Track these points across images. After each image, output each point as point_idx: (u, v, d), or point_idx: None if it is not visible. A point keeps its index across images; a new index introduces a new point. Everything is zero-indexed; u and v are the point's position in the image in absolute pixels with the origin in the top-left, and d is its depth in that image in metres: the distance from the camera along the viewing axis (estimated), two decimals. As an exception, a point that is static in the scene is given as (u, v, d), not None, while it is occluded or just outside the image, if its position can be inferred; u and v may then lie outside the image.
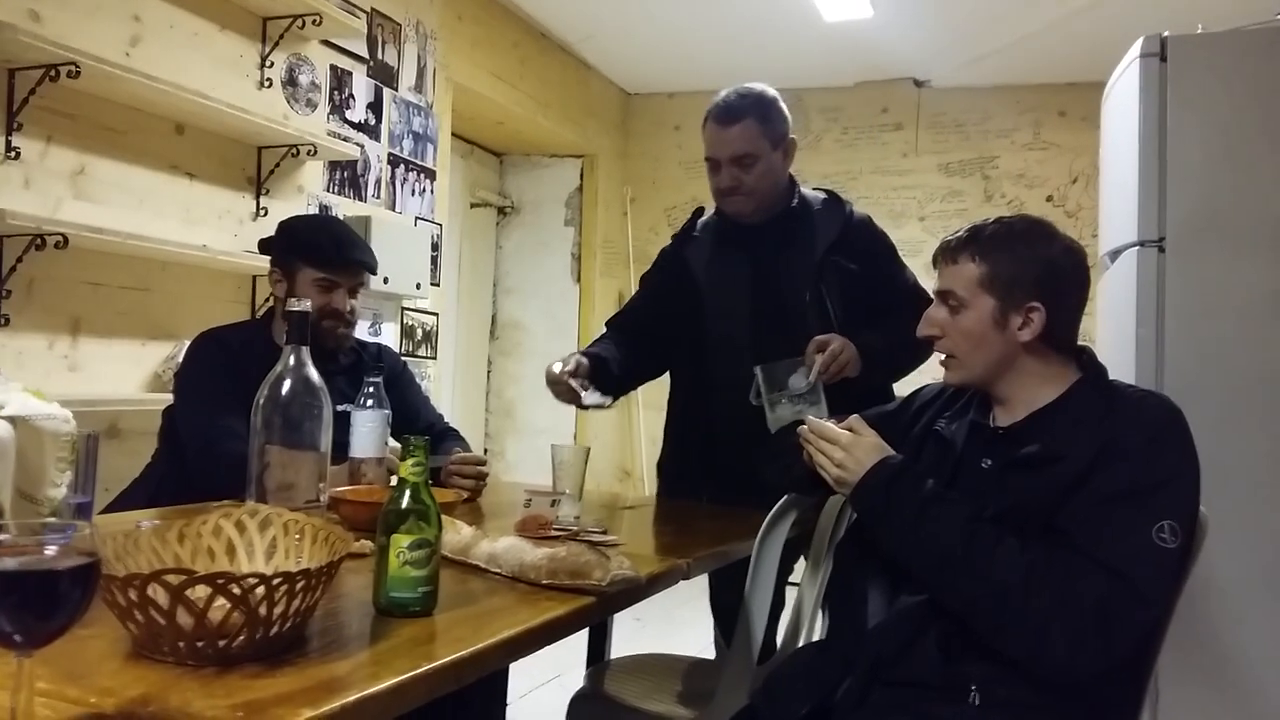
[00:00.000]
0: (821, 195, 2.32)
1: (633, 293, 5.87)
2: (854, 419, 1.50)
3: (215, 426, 2.02)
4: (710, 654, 2.50)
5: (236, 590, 0.84)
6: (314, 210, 3.57)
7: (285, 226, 2.24)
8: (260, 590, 0.85)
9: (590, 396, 2.10)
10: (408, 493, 1.09)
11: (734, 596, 1.86)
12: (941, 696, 1.37)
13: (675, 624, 3.64)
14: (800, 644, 1.97)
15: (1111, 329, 2.64)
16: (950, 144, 5.56)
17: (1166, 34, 2.45)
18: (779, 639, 2.02)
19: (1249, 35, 2.45)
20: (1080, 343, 1.53)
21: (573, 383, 2.10)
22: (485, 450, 5.46)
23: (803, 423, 1.57)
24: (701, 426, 2.27)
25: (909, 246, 5.57)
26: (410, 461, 1.10)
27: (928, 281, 2.43)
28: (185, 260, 2.97)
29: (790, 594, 2.01)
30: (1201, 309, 2.40)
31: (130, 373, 2.94)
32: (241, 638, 0.86)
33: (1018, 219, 1.51)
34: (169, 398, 2.28)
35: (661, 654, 2.25)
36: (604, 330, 2.43)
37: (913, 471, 1.43)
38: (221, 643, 0.86)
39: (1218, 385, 2.35)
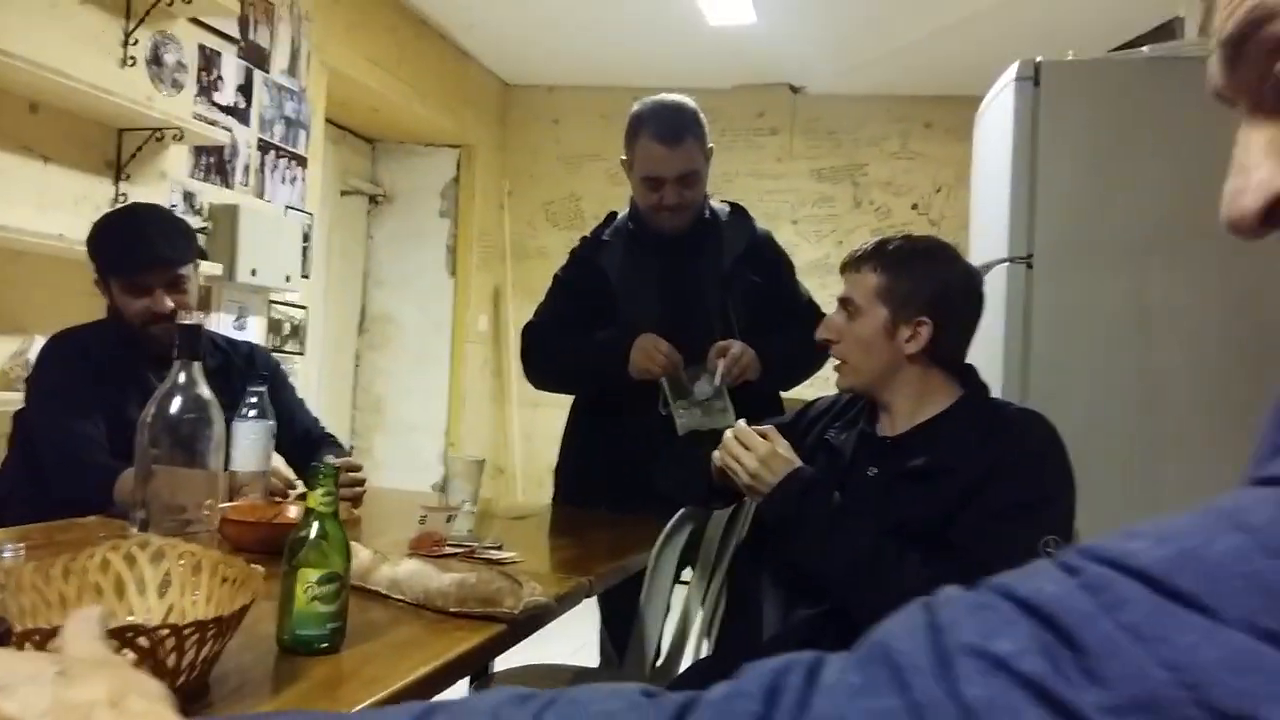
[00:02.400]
0: (727, 208, 2.36)
1: (510, 287, 5.87)
2: (769, 429, 1.53)
3: (75, 436, 1.90)
4: (587, 658, 2.50)
5: (146, 643, 0.78)
6: (177, 197, 3.39)
7: (90, 233, 2.05)
8: (170, 641, 0.79)
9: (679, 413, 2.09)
10: (316, 524, 1.04)
11: (625, 602, 1.86)
12: (837, 709, 1.41)
13: (549, 628, 3.60)
14: (687, 649, 1.98)
15: (979, 341, 2.74)
16: (823, 150, 5.69)
17: (1040, 59, 2.56)
18: (664, 643, 2.03)
19: (1117, 64, 2.59)
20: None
21: (663, 381, 2.10)
22: (352, 449, 5.31)
23: (713, 430, 1.60)
24: (606, 430, 2.27)
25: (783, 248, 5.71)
26: (320, 491, 1.05)
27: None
28: (38, 250, 2.77)
29: (677, 592, 2.01)
30: (1066, 323, 2.53)
31: (-27, 369, 2.74)
32: (146, 690, 0.81)
33: (922, 238, 1.58)
34: (18, 397, 2.13)
35: (546, 664, 2.22)
36: (530, 335, 2.39)
37: (823, 484, 1.47)
38: (124, 697, 0.80)
39: (1080, 397, 2.48)
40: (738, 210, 2.37)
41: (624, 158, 2.28)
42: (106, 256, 2.00)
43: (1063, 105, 2.55)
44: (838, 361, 1.60)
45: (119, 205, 3.11)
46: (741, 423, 1.55)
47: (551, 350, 2.32)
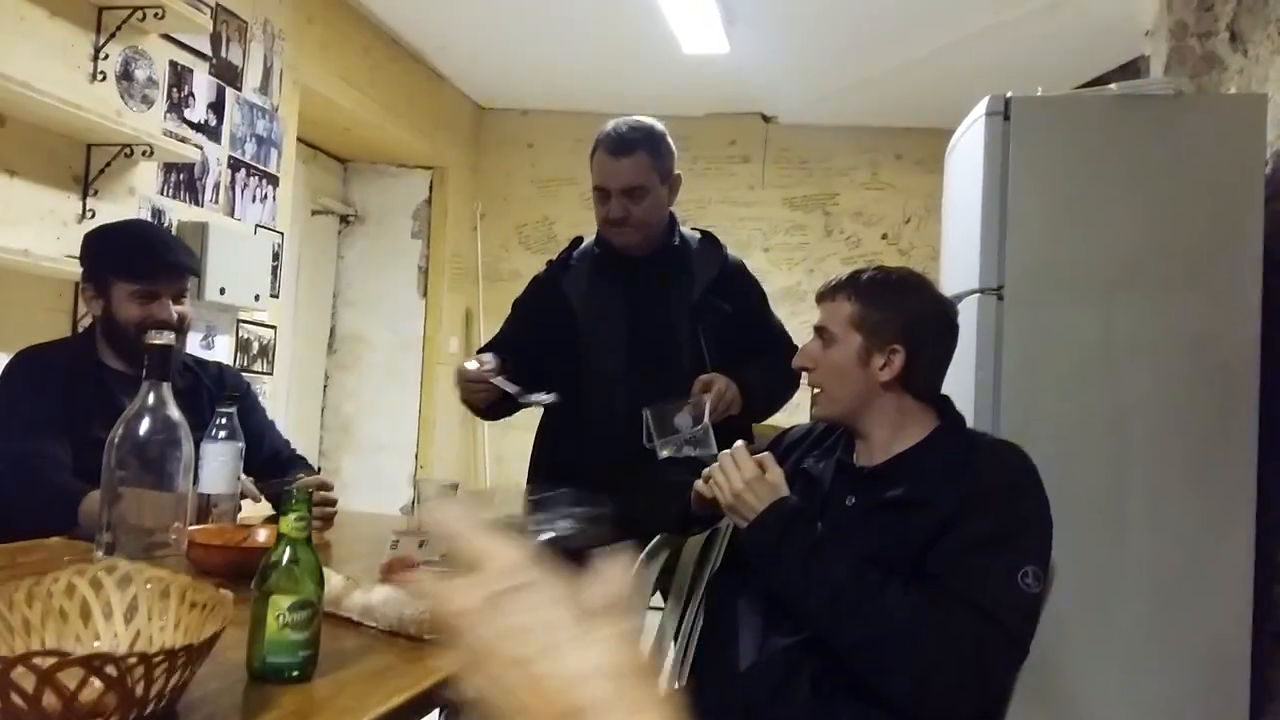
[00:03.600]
0: (698, 235, 2.34)
1: (482, 310, 5.85)
2: (766, 456, 1.53)
3: (35, 455, 1.85)
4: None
5: (114, 671, 0.76)
6: (146, 214, 3.35)
7: (92, 238, 2.06)
8: (139, 669, 0.77)
9: (537, 395, 2.03)
10: (288, 549, 1.03)
11: None
12: (813, 737, 1.40)
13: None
14: (660, 677, 1.96)
15: (951, 372, 2.77)
16: (794, 179, 5.74)
17: (1010, 95, 2.60)
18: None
19: (1085, 100, 2.63)
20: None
21: (498, 381, 2.04)
22: (320, 470, 5.24)
23: (691, 460, 1.59)
24: (573, 459, 2.24)
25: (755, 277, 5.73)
26: (293, 516, 1.03)
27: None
28: (2, 265, 2.72)
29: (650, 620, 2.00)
30: (1036, 355, 2.55)
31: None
32: (113, 720, 0.79)
33: (897, 269, 1.60)
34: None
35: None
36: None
37: (807, 513, 1.46)
38: (90, 727, 0.78)
39: (1051, 427, 2.50)
40: (708, 237, 2.35)
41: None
42: (117, 260, 1.98)
43: (1032, 139, 2.58)
44: (816, 390, 1.61)
45: (86, 220, 3.07)
46: (740, 443, 1.55)
47: None
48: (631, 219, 2.17)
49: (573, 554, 0.57)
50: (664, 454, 1.96)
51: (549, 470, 2.32)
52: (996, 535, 1.39)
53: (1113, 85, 2.58)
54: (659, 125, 2.24)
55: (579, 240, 2.39)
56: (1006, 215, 2.58)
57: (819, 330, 1.59)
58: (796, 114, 5.62)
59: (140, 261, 1.97)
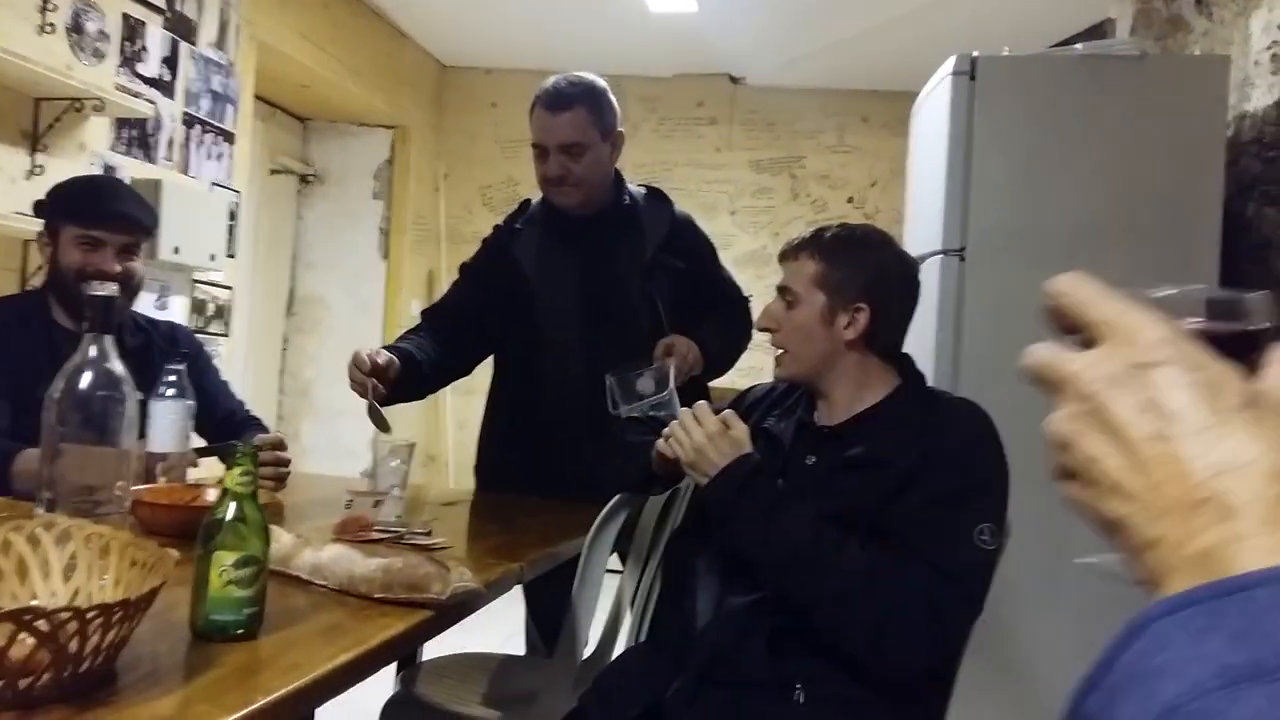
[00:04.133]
0: (644, 191, 2.30)
1: (445, 272, 5.78)
2: (729, 413, 1.51)
3: None
4: (516, 647, 2.46)
5: (45, 626, 0.73)
6: (97, 170, 3.27)
7: (53, 187, 2.05)
8: (72, 625, 0.75)
9: (380, 419, 1.94)
10: (233, 505, 1.00)
11: (554, 591, 1.83)
12: (768, 695, 1.40)
13: (478, 616, 3.56)
14: (619, 639, 1.96)
15: (913, 332, 2.77)
16: (761, 142, 5.71)
17: (976, 54, 2.58)
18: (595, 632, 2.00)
19: (1051, 60, 2.63)
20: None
21: (370, 390, 1.95)
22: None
23: (660, 422, 1.57)
24: (529, 421, 2.22)
25: (720, 240, 5.64)
26: (237, 470, 1.01)
27: (739, 276, 2.50)
28: (-54, 220, 2.65)
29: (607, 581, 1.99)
30: (997, 316, 2.55)
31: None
32: (46, 677, 0.76)
33: (859, 226, 1.59)
34: (-77, 374, 2.03)
35: (475, 653, 2.19)
36: (419, 321, 2.33)
37: (767, 470, 1.45)
38: (23, 684, 0.75)
39: (1010, 388, 2.49)
40: (655, 194, 2.30)
41: None
42: (66, 203, 1.96)
43: (997, 100, 2.57)
44: (780, 351, 1.59)
45: (34, 176, 2.99)
46: (702, 402, 1.53)
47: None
48: (570, 177, 2.12)
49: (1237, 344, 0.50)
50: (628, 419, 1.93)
51: (503, 432, 2.30)
52: (954, 493, 1.39)
53: (1078, 46, 2.57)
54: (600, 81, 2.19)
55: (527, 203, 2.33)
56: (970, 176, 2.58)
57: (781, 290, 1.57)
58: (764, 76, 5.58)
59: (86, 205, 1.94)
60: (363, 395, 1.96)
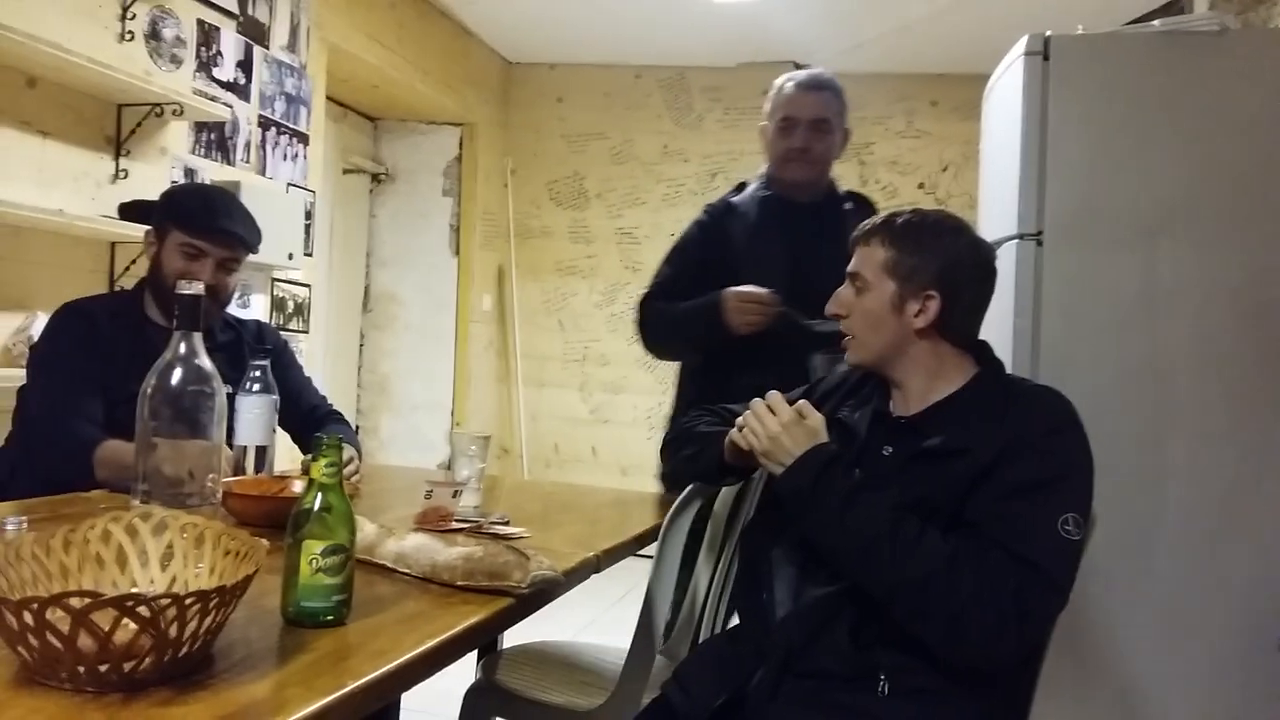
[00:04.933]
0: (850, 194, 2.44)
1: (514, 267, 5.83)
2: (802, 403, 1.50)
3: (61, 405, 1.88)
4: (593, 636, 2.48)
5: (146, 612, 0.76)
6: (178, 173, 3.36)
7: (169, 189, 2.14)
8: (171, 611, 0.78)
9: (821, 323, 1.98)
10: (320, 495, 1.03)
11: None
12: (851, 686, 1.39)
13: (555, 605, 3.60)
14: (696, 630, 1.97)
15: (990, 318, 2.73)
16: (828, 128, 5.64)
17: (1050, 34, 2.52)
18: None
19: (1127, 38, 2.56)
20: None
21: (786, 309, 2.13)
22: (358, 428, 5.30)
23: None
24: (718, 398, 2.22)
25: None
26: (323, 462, 1.03)
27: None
28: (39, 225, 2.75)
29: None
30: (1076, 301, 2.50)
31: (-25, 346, 2.72)
32: (149, 661, 0.79)
33: (933, 212, 1.56)
34: (20, 374, 2.12)
35: (553, 641, 2.21)
36: (649, 305, 2.39)
37: (843, 461, 1.44)
38: (127, 667, 0.78)
39: (1089, 375, 2.46)
40: (861, 199, 2.44)
41: (762, 124, 2.39)
42: (181, 208, 2.02)
43: (1073, 80, 2.51)
44: (848, 337, 1.58)
45: (119, 180, 3.10)
46: (774, 392, 1.52)
47: (660, 318, 2.34)
48: (813, 153, 2.29)
49: None
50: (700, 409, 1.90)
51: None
52: (1037, 482, 1.36)
53: (1156, 22, 2.50)
54: (836, 80, 2.40)
55: (743, 185, 2.44)
56: (1046, 159, 2.52)
57: (851, 276, 1.55)
58: (829, 62, 5.45)
59: (196, 215, 1.99)
60: (762, 318, 2.11)
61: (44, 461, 1.87)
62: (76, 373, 1.91)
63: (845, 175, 5.55)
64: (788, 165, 2.30)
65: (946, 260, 1.49)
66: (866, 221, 1.57)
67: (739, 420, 1.53)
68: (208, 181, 3.48)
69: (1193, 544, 2.37)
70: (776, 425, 1.45)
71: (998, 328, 2.59)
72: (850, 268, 1.56)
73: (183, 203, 2.05)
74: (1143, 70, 2.48)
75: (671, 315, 2.31)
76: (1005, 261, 2.61)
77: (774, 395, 1.51)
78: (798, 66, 5.63)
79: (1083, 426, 1.45)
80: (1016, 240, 2.56)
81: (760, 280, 2.21)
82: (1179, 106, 2.45)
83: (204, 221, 1.98)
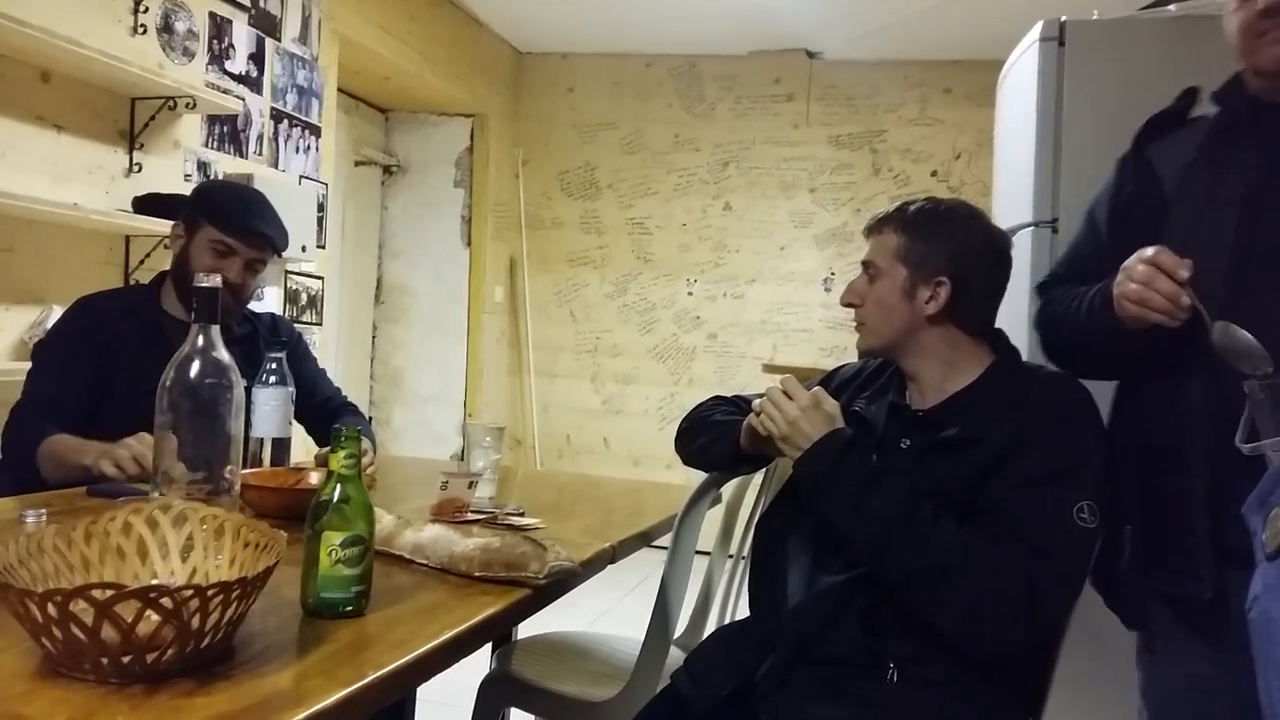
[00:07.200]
0: None
1: (525, 258, 5.84)
2: (818, 390, 1.50)
3: (32, 401, 1.89)
4: (608, 626, 2.49)
5: (169, 603, 0.77)
6: (191, 166, 3.37)
7: (203, 184, 2.13)
8: (194, 602, 0.78)
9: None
10: (339, 486, 1.03)
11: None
12: (860, 674, 1.39)
13: (570, 596, 3.60)
14: (710, 618, 1.97)
15: (1004, 306, 2.72)
16: (840, 116, 5.62)
17: (1065, 19, 2.50)
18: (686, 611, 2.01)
19: (1143, 22, 2.53)
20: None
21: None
22: (371, 420, 5.32)
23: None
24: (1129, 414, 1.58)
25: (799, 217, 5.67)
26: (342, 454, 1.04)
27: (819, 255, 2.46)
28: (54, 219, 2.76)
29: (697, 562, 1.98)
30: (1091, 289, 2.48)
31: (-8, 339, 2.74)
32: (171, 652, 0.80)
33: (946, 200, 1.56)
34: (33, 366, 2.13)
35: (566, 632, 2.22)
36: (1043, 295, 1.75)
37: (861, 446, 1.44)
38: (150, 658, 0.79)
39: (1105, 363, 2.44)
40: None
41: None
42: (217, 205, 2.01)
43: (1088, 66, 2.49)
44: (859, 324, 1.58)
45: (134, 174, 3.11)
46: (790, 377, 1.52)
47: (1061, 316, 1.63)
48: None
49: None
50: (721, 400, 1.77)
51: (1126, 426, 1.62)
52: (1052, 470, 1.36)
53: (1171, 6, 2.47)
54: None
55: (1191, 94, 1.64)
56: (1061, 145, 2.50)
57: (865, 264, 1.55)
58: (841, 49, 5.49)
59: (232, 214, 1.99)
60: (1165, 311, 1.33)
61: (7, 458, 1.88)
62: (61, 369, 1.91)
63: (858, 164, 5.57)
64: (1258, 44, 1.45)
65: (957, 247, 1.49)
66: (879, 211, 1.56)
67: (755, 405, 1.53)
68: (222, 175, 3.49)
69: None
70: (795, 410, 1.45)
71: (1014, 315, 2.58)
72: (864, 257, 1.56)
73: (220, 200, 2.03)
74: (1159, 55, 2.46)
75: (1066, 309, 1.61)
76: (1020, 249, 2.60)
77: (790, 380, 1.51)
78: (810, 55, 5.63)
79: (1098, 412, 1.44)
80: (1031, 228, 2.55)
81: (1196, 228, 1.44)
82: (1195, 91, 2.43)
83: (238, 221, 1.98)
